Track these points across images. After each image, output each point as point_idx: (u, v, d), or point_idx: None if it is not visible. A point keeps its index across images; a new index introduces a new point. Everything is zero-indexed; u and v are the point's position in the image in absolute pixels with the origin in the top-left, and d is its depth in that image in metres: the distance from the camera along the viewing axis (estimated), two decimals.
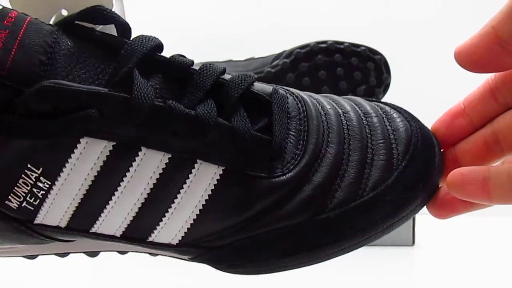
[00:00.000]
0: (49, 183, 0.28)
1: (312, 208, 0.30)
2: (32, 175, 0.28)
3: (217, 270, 0.33)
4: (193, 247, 0.31)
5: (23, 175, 0.28)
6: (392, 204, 0.31)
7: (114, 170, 0.28)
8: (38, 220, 0.29)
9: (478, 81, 0.33)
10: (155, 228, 0.30)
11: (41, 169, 0.28)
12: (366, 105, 0.34)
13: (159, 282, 0.50)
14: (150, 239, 0.31)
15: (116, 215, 0.30)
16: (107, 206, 0.29)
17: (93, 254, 0.35)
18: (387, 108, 0.34)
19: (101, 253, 0.35)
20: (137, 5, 0.95)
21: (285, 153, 0.30)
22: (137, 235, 0.31)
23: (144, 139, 0.28)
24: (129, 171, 0.28)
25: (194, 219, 0.30)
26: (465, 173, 0.29)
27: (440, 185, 0.33)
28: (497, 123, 0.32)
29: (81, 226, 0.30)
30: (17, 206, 0.29)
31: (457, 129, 0.33)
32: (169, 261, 0.34)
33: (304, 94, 0.33)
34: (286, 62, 0.69)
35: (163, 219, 0.30)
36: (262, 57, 0.73)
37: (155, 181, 0.29)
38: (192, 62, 0.30)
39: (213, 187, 0.29)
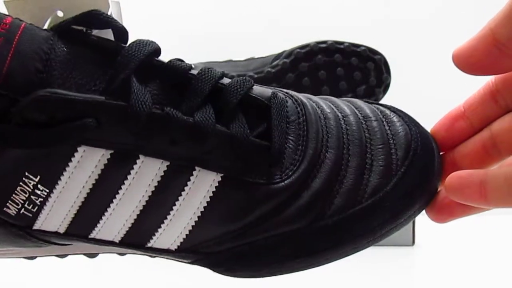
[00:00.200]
0: (47, 190, 0.28)
1: (311, 214, 0.30)
2: (30, 183, 0.28)
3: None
4: (192, 252, 0.31)
5: (20, 183, 0.28)
6: (390, 210, 0.31)
7: (112, 178, 0.28)
8: (37, 226, 0.29)
9: (478, 81, 0.33)
10: (154, 234, 0.30)
11: (38, 177, 0.28)
12: (366, 108, 0.33)
13: (158, 282, 0.50)
14: (149, 244, 0.31)
15: (115, 222, 0.30)
16: (105, 213, 0.29)
17: (92, 255, 0.35)
18: (387, 111, 0.33)
19: (100, 254, 0.35)
20: (136, 5, 0.95)
21: (284, 158, 0.30)
22: (136, 240, 0.31)
23: (142, 147, 0.28)
24: (127, 179, 0.28)
25: (192, 226, 0.30)
26: (463, 176, 0.29)
27: (439, 189, 0.33)
28: (495, 126, 0.32)
29: (80, 232, 0.30)
30: (15, 213, 0.28)
31: (457, 132, 0.33)
32: (168, 262, 0.34)
33: (303, 98, 0.33)
34: (286, 62, 0.69)
35: (162, 225, 0.30)
36: (262, 57, 0.73)
37: (153, 189, 0.29)
38: (190, 67, 0.30)
39: (211, 194, 0.29)
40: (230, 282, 0.33)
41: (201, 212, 0.30)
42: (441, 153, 0.33)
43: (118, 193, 0.29)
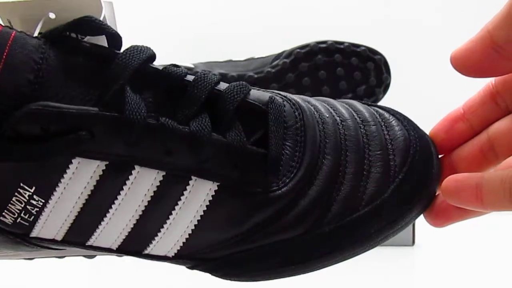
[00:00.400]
0: (43, 201, 0.28)
1: (308, 222, 0.30)
2: (25, 193, 0.27)
3: None
4: (189, 259, 0.31)
5: (16, 193, 0.27)
6: (387, 218, 0.31)
7: (108, 188, 0.28)
8: (34, 234, 0.29)
9: (479, 81, 0.33)
10: (151, 242, 0.30)
11: (34, 188, 0.27)
12: (365, 111, 0.33)
13: (157, 282, 0.50)
14: (146, 251, 0.31)
15: (112, 230, 0.29)
16: (102, 222, 0.29)
17: (90, 256, 0.35)
18: (386, 114, 0.33)
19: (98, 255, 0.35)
20: (136, 4, 0.95)
21: (281, 165, 0.30)
22: (133, 248, 0.31)
23: (137, 158, 0.27)
24: (123, 189, 0.28)
25: (189, 234, 0.30)
26: (459, 179, 0.29)
27: (437, 193, 0.32)
28: (492, 130, 0.32)
29: (77, 240, 0.30)
30: (12, 221, 0.28)
31: (457, 133, 0.33)
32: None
33: (301, 101, 0.32)
34: (286, 62, 0.69)
35: (159, 233, 0.30)
36: (262, 57, 0.72)
37: (149, 198, 0.28)
38: (186, 73, 0.29)
39: (208, 203, 0.29)
40: (230, 282, 0.33)
41: (198, 220, 0.29)
42: (440, 156, 0.33)
43: (114, 203, 0.28)
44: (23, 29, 0.30)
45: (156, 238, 0.30)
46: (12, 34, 0.26)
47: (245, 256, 0.31)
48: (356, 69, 0.69)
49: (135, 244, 0.30)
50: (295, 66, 0.69)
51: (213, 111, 0.29)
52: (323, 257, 0.31)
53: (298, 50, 0.70)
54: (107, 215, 0.29)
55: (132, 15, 0.91)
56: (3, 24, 0.30)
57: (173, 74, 0.29)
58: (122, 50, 0.29)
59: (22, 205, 0.28)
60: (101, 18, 0.30)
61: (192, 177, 0.28)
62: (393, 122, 0.32)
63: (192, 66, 0.70)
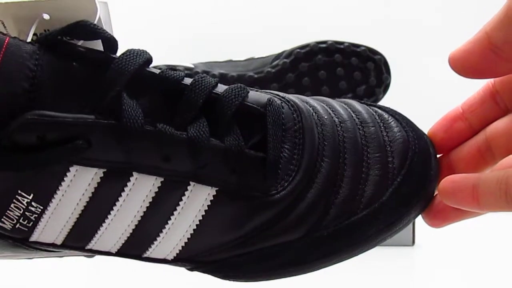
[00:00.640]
0: (41, 207, 0.27)
1: (306, 226, 0.30)
2: (24, 200, 0.27)
3: None
4: (189, 261, 0.31)
5: (14, 200, 0.27)
6: (385, 220, 0.31)
7: (106, 195, 0.28)
8: (33, 238, 0.29)
9: (478, 81, 0.33)
10: (150, 246, 0.30)
11: (32, 195, 0.27)
12: (364, 112, 0.33)
13: (157, 282, 0.50)
14: (145, 255, 0.31)
15: (111, 235, 0.29)
16: (101, 228, 0.29)
17: (90, 255, 0.35)
18: (385, 115, 0.33)
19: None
20: (136, 4, 0.95)
21: (280, 169, 0.29)
22: (132, 251, 0.31)
23: (135, 165, 0.27)
24: (121, 196, 0.28)
25: (188, 238, 0.30)
26: (456, 180, 0.29)
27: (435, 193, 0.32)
28: (489, 130, 0.32)
29: (76, 244, 0.30)
30: (11, 227, 0.28)
31: (456, 133, 0.33)
32: None
33: (300, 102, 0.32)
34: (286, 62, 0.69)
35: (158, 238, 0.30)
36: (262, 57, 0.72)
37: (148, 204, 0.28)
38: (183, 77, 0.29)
39: (206, 208, 0.29)
40: (230, 283, 0.33)
41: (197, 225, 0.29)
42: (439, 156, 0.33)
43: (113, 209, 0.28)
44: (17, 29, 0.30)
45: (155, 242, 0.30)
46: (6, 41, 0.26)
47: (244, 259, 0.31)
48: (356, 69, 0.70)
49: (134, 248, 0.30)
50: (295, 66, 0.69)
51: (211, 115, 0.29)
52: (321, 259, 0.31)
53: (298, 50, 0.70)
54: (106, 220, 0.29)
55: (131, 15, 0.91)
56: None
57: (170, 78, 0.29)
58: (118, 52, 0.28)
59: (21, 212, 0.27)
60: (96, 19, 0.30)
61: (190, 182, 0.28)
62: (392, 123, 0.32)
63: (192, 66, 0.70)
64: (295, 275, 0.32)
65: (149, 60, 0.28)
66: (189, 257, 0.31)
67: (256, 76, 0.69)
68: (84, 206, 0.28)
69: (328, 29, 0.75)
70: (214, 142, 0.28)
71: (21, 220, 0.28)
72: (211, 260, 0.31)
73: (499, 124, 0.32)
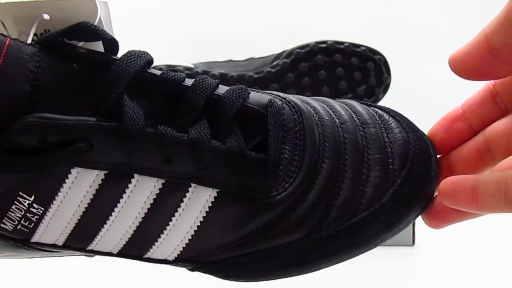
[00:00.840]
0: (43, 209, 0.27)
1: (307, 227, 0.30)
2: (25, 201, 0.27)
3: None
4: (190, 262, 0.31)
5: (15, 202, 0.27)
6: (385, 221, 0.31)
7: (107, 197, 0.28)
8: (35, 239, 0.29)
9: (478, 81, 0.33)
10: (151, 247, 0.30)
11: (33, 196, 0.27)
12: (364, 113, 0.33)
13: (157, 281, 0.50)
14: (146, 256, 0.31)
15: (112, 236, 0.29)
16: (102, 229, 0.29)
17: (90, 255, 0.35)
18: (386, 116, 0.33)
19: None
20: (136, 5, 0.95)
21: (280, 170, 0.29)
22: (134, 252, 0.31)
23: (136, 166, 0.27)
24: (122, 197, 0.28)
25: (189, 239, 0.30)
26: (456, 181, 0.29)
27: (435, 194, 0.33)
28: (489, 131, 0.32)
29: (78, 245, 0.30)
30: (12, 228, 0.28)
31: (456, 133, 0.33)
32: None
33: (300, 103, 0.32)
34: (286, 62, 0.69)
35: (159, 239, 0.30)
36: (262, 57, 0.73)
37: (149, 206, 0.28)
38: (184, 78, 0.29)
39: (207, 209, 0.29)
40: (230, 282, 0.33)
41: (198, 226, 0.29)
42: (439, 156, 0.33)
43: (114, 210, 0.28)
44: (17, 30, 0.30)
45: (156, 243, 0.30)
46: (7, 43, 0.26)
47: (245, 259, 0.31)
48: (356, 69, 0.70)
49: (135, 249, 0.30)
50: (295, 66, 0.69)
51: (212, 116, 0.29)
52: (322, 259, 0.31)
53: (298, 50, 0.70)
54: (107, 222, 0.29)
55: (131, 15, 0.91)
56: None
57: (171, 79, 0.28)
58: (119, 53, 0.28)
59: (22, 213, 0.27)
60: (97, 19, 0.30)
61: (192, 184, 0.28)
62: (392, 124, 0.32)
63: (192, 66, 0.70)
64: (295, 275, 0.32)
65: (150, 61, 0.28)
66: (190, 258, 0.31)
67: (256, 76, 0.69)
68: (86, 208, 0.28)
69: (328, 29, 0.75)
70: (215, 143, 0.28)
71: (22, 222, 0.28)
72: (212, 261, 0.31)
73: (499, 125, 0.32)
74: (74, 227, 0.29)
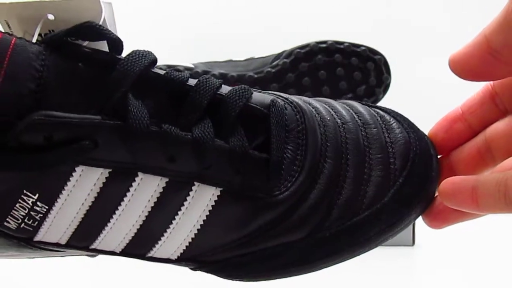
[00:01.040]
0: (47, 207, 0.28)
1: (309, 226, 0.30)
2: (29, 200, 0.27)
3: None
4: (192, 261, 0.31)
5: (19, 200, 0.27)
6: (387, 221, 0.31)
7: (111, 195, 0.28)
8: (38, 238, 0.29)
9: (478, 82, 0.33)
10: (154, 246, 0.30)
11: (37, 195, 0.27)
12: (366, 113, 0.33)
13: (158, 281, 0.50)
14: (149, 254, 0.31)
15: (115, 235, 0.29)
16: (105, 227, 0.29)
17: (92, 255, 0.35)
18: (387, 116, 0.33)
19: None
20: (136, 5, 0.95)
21: (283, 169, 0.30)
22: (136, 251, 0.31)
23: (140, 165, 0.27)
24: (126, 196, 0.28)
25: (192, 238, 0.30)
26: (456, 182, 0.29)
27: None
28: (489, 132, 0.32)
29: (81, 244, 0.30)
30: (16, 226, 0.28)
31: (456, 133, 0.33)
32: None
33: (302, 103, 0.32)
34: (286, 62, 0.69)
35: (162, 238, 0.30)
36: (262, 57, 0.73)
37: (152, 204, 0.29)
38: (188, 78, 0.29)
39: (210, 208, 0.29)
40: (229, 282, 0.33)
41: (201, 225, 0.30)
42: (439, 157, 0.33)
43: (118, 209, 0.28)
44: (21, 30, 0.30)
45: (159, 242, 0.30)
46: (12, 41, 0.26)
47: (247, 259, 0.31)
48: (356, 69, 0.70)
49: (138, 248, 0.30)
50: (295, 66, 0.69)
51: (215, 115, 0.29)
52: (323, 259, 0.31)
53: (298, 50, 0.70)
54: (111, 220, 0.29)
55: (132, 16, 0.91)
56: (1, 28, 0.30)
57: (175, 79, 0.29)
58: (123, 53, 0.29)
59: (26, 211, 0.28)
60: (101, 19, 0.30)
61: (195, 183, 0.28)
62: (393, 124, 0.33)
63: (192, 66, 0.70)
64: (297, 274, 0.32)
65: (154, 61, 0.29)
66: (193, 257, 0.31)
67: (256, 76, 0.69)
68: (89, 206, 0.28)
69: (328, 29, 0.75)
70: (219, 143, 0.28)
71: (26, 220, 0.28)
72: (214, 260, 0.31)
73: (499, 126, 0.32)
74: (77, 225, 0.29)
